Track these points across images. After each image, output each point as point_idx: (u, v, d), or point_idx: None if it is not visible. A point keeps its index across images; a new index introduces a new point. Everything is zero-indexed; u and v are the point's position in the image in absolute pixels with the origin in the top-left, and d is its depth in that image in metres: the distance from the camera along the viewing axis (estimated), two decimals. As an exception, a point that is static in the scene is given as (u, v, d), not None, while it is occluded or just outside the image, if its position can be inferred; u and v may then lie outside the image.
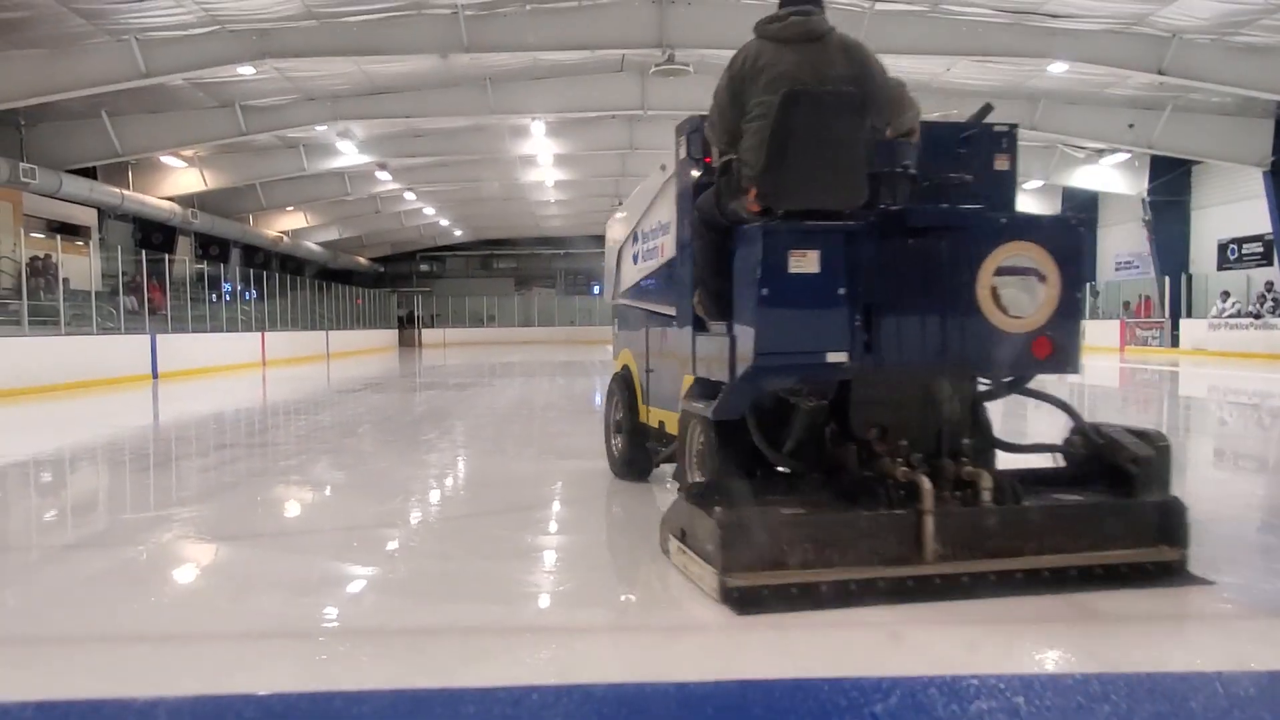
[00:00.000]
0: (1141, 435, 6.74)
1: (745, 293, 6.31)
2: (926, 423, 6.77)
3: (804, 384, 6.54)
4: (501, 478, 10.90)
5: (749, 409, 6.66)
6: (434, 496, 10.19)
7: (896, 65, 20.08)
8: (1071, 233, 6.61)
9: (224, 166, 41.61)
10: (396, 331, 72.80)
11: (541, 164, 45.85)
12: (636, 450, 9.66)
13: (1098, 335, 46.42)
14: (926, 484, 6.09)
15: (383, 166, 44.75)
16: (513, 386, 25.82)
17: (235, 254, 51.60)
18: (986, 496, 6.29)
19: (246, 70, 29.29)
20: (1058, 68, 30.65)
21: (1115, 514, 6.44)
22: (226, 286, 45.37)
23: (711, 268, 6.70)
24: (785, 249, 6.08)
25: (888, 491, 6.23)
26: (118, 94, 29.56)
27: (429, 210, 61.38)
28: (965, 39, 28.52)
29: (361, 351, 56.84)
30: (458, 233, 73.58)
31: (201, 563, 7.60)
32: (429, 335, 74.16)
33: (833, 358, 6.18)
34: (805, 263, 6.12)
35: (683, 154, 7.51)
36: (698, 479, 7.13)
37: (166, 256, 39.35)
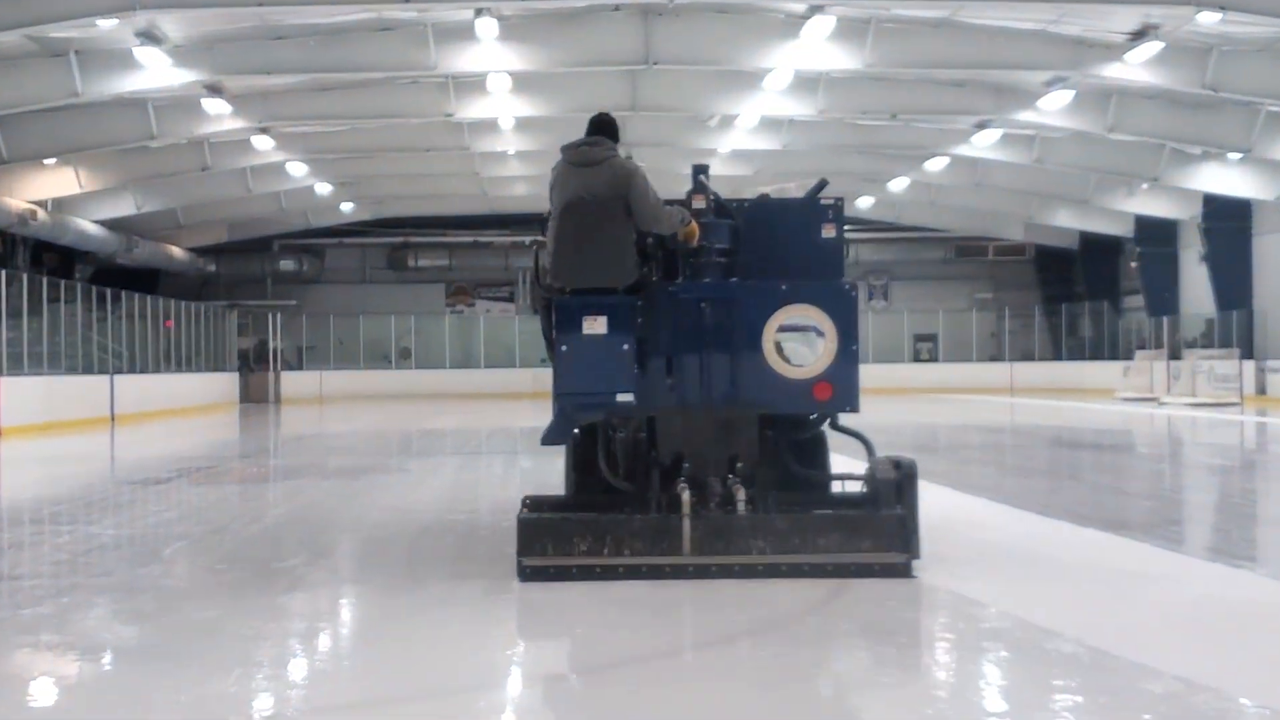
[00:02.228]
0: (895, 463, 8.39)
1: (555, 346, 8.29)
2: (718, 451, 8.45)
3: (613, 419, 8.47)
4: (419, 637, 6.83)
5: (602, 439, 8.57)
6: (298, 671, 6.30)
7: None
8: (844, 296, 8.45)
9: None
10: (237, 377, 46.11)
11: (493, 89, 29.23)
12: None
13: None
14: (685, 495, 8.00)
15: (215, 90, 27.50)
16: (442, 474, 16.24)
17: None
18: (741, 508, 8.06)
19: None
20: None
21: (855, 524, 8.10)
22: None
23: (545, 324, 8.54)
24: (578, 315, 8.15)
25: (657, 501, 8.26)
26: None
27: (297, 168, 37.04)
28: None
29: (174, 412, 35.68)
30: (346, 208, 44.95)
31: None
32: (294, 383, 46.95)
33: (621, 398, 8.09)
34: (596, 325, 8.13)
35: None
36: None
37: None
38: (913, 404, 35.55)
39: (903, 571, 7.86)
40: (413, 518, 11.45)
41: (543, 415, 16.82)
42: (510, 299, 50.01)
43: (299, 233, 46.87)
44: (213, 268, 48.03)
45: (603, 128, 8.64)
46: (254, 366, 46.81)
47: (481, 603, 7.50)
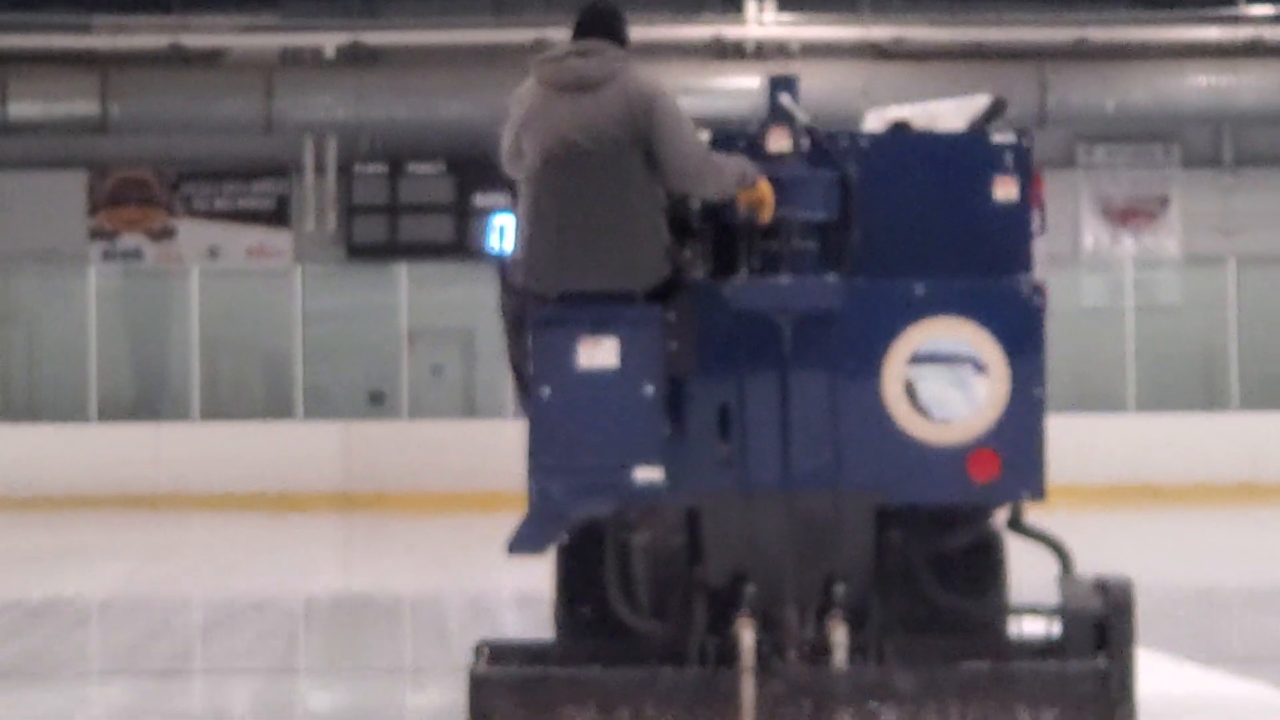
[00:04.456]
0: (1103, 587, 6.19)
1: (532, 388, 6.01)
2: (805, 565, 6.18)
3: (629, 511, 6.04)
4: None
5: (613, 548, 6.24)
6: None
7: None
8: (1022, 304, 6.04)
9: None
10: None
11: None
12: None
13: None
14: (747, 638, 5.74)
15: None
16: None
17: None
18: (840, 656, 5.86)
19: None
20: None
21: (1029, 682, 6.05)
22: None
23: (513, 350, 6.34)
24: (570, 337, 5.85)
25: (702, 647, 5.92)
26: None
27: None
28: None
29: None
30: None
31: None
32: None
33: (642, 476, 5.75)
34: (600, 353, 5.84)
35: None
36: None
37: None
38: None
39: None
40: None
41: (382, 561, 13.95)
42: (279, 216, 22.98)
43: None
44: None
45: (601, 21, 6.22)
46: None
47: None
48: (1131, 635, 6.01)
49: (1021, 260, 6.14)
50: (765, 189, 5.84)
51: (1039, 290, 6.05)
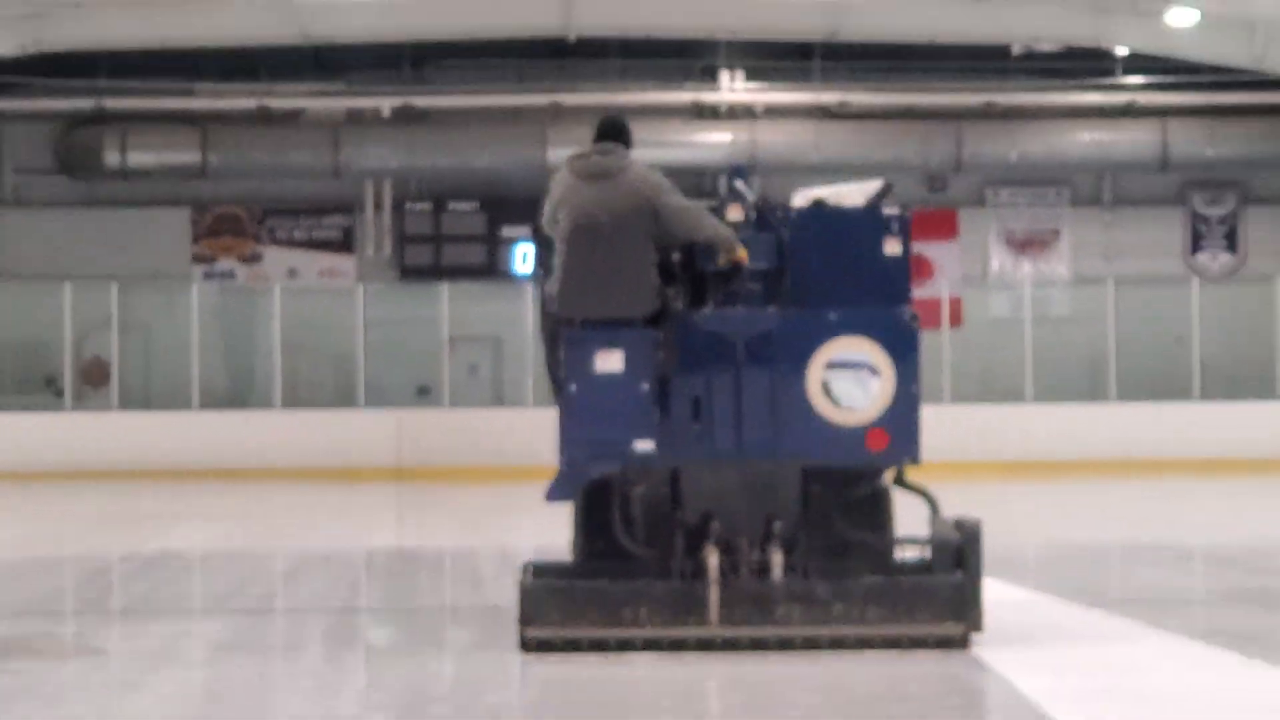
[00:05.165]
0: (958, 525, 6.68)
1: (563, 386, 6.67)
2: (753, 509, 6.76)
3: (630, 472, 6.68)
4: None
5: (618, 497, 6.76)
6: None
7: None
8: (904, 327, 6.72)
9: None
10: None
11: None
12: None
13: None
14: (713, 560, 6.45)
15: None
16: (177, 664, 6.49)
17: None
18: (778, 574, 6.51)
19: None
20: None
21: (907, 591, 6.58)
22: None
23: (549, 359, 6.97)
24: (590, 350, 6.53)
25: (681, 567, 6.59)
26: None
27: None
28: None
29: None
30: None
31: None
32: None
33: (640, 447, 6.52)
34: (610, 361, 6.53)
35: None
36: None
37: None
38: None
39: (959, 644, 6.42)
40: None
41: (429, 522, 13.91)
42: (345, 245, 22.06)
43: None
44: None
45: (614, 131, 6.99)
46: None
47: None
48: (980, 559, 6.55)
49: (904, 295, 6.79)
50: (744, 253, 6.55)
51: (915, 316, 6.68)
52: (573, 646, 6.42)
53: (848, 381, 6.62)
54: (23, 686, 5.79)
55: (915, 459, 6.71)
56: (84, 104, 21.54)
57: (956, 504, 7.06)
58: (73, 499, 16.01)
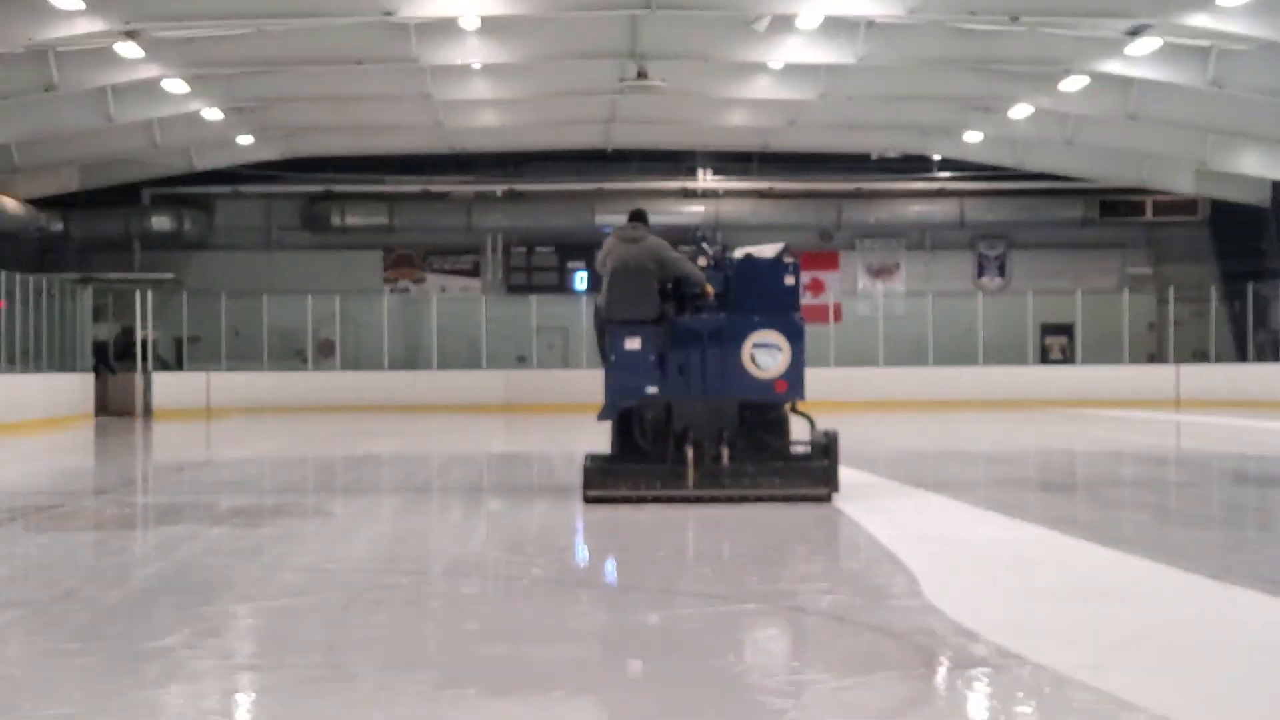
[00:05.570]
0: (825, 433, 6.87)
1: (607, 357, 6.93)
2: (712, 425, 6.94)
3: (643, 403, 6.92)
4: None
5: (638, 417, 6.92)
6: None
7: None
8: (796, 325, 6.94)
9: None
10: (91, 379, 16.58)
11: (466, 29, 12.45)
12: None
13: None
14: (690, 453, 6.70)
15: None
16: (377, 521, 6.34)
17: None
18: (725, 461, 6.79)
19: None
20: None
21: (797, 470, 6.86)
22: None
23: (600, 343, 7.22)
24: (622, 337, 6.83)
25: (672, 456, 6.83)
26: None
27: (174, 86, 13.36)
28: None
29: (5, 427, 12.67)
30: (244, 142, 17.02)
31: None
32: (171, 389, 17.70)
33: (649, 390, 6.81)
34: (633, 343, 6.82)
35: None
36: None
37: None
38: (1041, 422, 15.25)
39: (825, 499, 6.72)
40: (337, 581, 4.46)
41: (522, 437, 13.19)
42: (475, 272, 21.97)
43: (179, 178, 19.22)
44: (59, 226, 19.20)
45: (639, 216, 7.34)
46: (115, 365, 18.41)
47: (432, 707, 2.64)
48: (837, 451, 6.80)
49: (795, 306, 7.06)
50: (710, 288, 6.92)
51: (802, 318, 6.97)
52: (611, 501, 6.63)
53: (764, 354, 6.88)
54: (283, 534, 5.92)
55: (802, 397, 6.92)
56: (319, 187, 21.68)
57: (831, 424, 7.07)
58: (312, 424, 15.88)
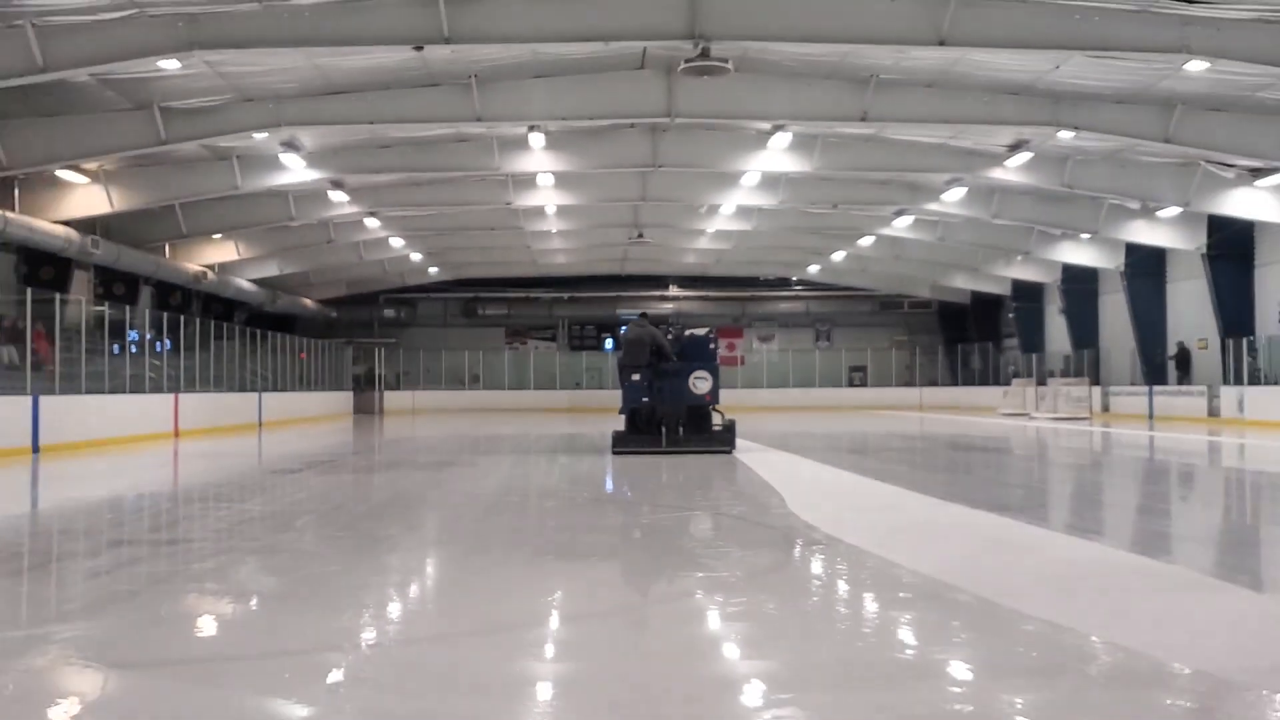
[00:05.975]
0: (726, 418, 7.55)
1: (623, 384, 7.60)
2: (675, 416, 7.51)
3: (642, 406, 7.51)
4: (483, 587, 2.86)
5: (638, 413, 7.50)
6: (394, 611, 2.64)
7: (992, 61, 8.13)
8: (716, 370, 7.57)
9: (136, 183, 11.03)
10: (351, 395, 20.79)
11: (540, 185, 13.05)
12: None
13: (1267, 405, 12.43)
14: (664, 430, 7.31)
15: (337, 185, 12.43)
16: (501, 467, 7.06)
17: (146, 293, 14.40)
18: (681, 434, 7.40)
19: (170, 64, 7.55)
20: (1196, 66, 7.52)
21: (716, 438, 7.50)
22: (133, 335, 11.41)
23: (620, 376, 7.67)
24: (630, 374, 7.48)
25: (655, 432, 7.41)
26: (6, 92, 7.71)
27: (396, 241, 16.90)
28: (1078, 29, 7.12)
29: (305, 420, 16.36)
30: (432, 270, 20.49)
31: (86, 697, 1.90)
32: (393, 400, 21.58)
33: (644, 399, 7.46)
34: (636, 378, 7.47)
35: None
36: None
37: (58, 296, 9.45)
38: (848, 419, 16.82)
39: (728, 454, 7.31)
40: (481, 500, 5.04)
41: (578, 425, 13.28)
42: (553, 339, 23.87)
43: (398, 289, 22.31)
44: (334, 314, 22.26)
45: (645, 316, 8.23)
46: (364, 387, 21.90)
47: (524, 571, 3.09)
48: (735, 429, 7.53)
49: (715, 358, 7.76)
50: (676, 357, 7.60)
51: (718, 366, 7.68)
52: (627, 454, 7.29)
53: (700, 382, 7.55)
54: (452, 475, 6.61)
55: (718, 403, 7.62)
56: (471, 294, 23.44)
57: (733, 416, 7.81)
58: (466, 419, 16.87)
